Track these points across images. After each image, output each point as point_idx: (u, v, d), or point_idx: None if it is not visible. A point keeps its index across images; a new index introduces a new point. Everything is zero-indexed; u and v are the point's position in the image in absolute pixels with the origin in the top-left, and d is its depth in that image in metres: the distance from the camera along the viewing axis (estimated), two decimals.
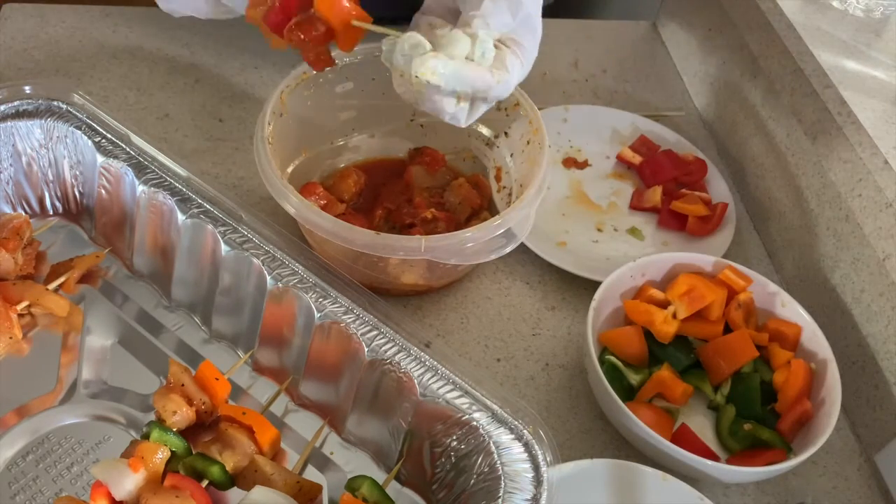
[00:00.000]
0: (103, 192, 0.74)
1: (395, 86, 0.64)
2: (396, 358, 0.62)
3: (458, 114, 0.64)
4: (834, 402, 0.68)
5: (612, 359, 0.73)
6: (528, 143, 0.79)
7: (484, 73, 0.62)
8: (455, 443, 0.60)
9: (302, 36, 0.65)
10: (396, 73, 0.63)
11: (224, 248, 0.68)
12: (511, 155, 0.82)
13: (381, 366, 0.62)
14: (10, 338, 0.68)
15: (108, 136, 0.74)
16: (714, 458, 0.68)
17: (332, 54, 0.70)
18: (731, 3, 0.99)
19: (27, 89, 0.75)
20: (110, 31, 1.02)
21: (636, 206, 0.90)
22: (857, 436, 0.76)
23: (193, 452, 0.61)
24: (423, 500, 0.64)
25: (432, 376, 0.61)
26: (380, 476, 0.63)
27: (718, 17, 1.02)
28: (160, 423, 0.62)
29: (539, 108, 0.79)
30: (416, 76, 0.60)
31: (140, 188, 0.71)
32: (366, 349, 0.63)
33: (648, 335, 0.74)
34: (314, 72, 0.79)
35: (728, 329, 0.75)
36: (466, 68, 0.61)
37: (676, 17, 1.13)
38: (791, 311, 0.74)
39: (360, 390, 0.64)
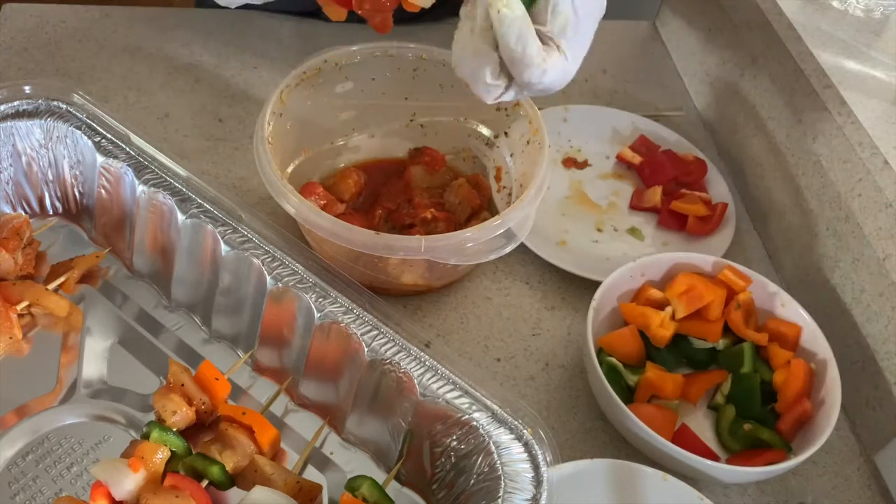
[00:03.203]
0: (103, 192, 0.74)
1: (457, 41, 0.62)
2: (396, 358, 0.62)
3: (494, 89, 0.62)
4: (834, 402, 0.68)
5: (612, 359, 0.73)
6: (528, 143, 0.79)
7: (538, 44, 0.60)
8: (455, 443, 0.60)
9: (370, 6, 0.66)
10: (466, 27, 0.61)
11: (224, 248, 0.68)
12: (511, 155, 0.82)
13: (381, 366, 0.62)
14: (10, 338, 0.68)
15: (108, 136, 0.74)
16: (714, 458, 0.68)
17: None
18: (731, 3, 0.99)
19: (27, 89, 0.75)
20: (110, 31, 1.02)
21: (636, 206, 0.90)
22: (857, 436, 0.75)
23: (193, 452, 0.61)
24: (423, 500, 0.64)
25: (432, 376, 0.61)
26: (380, 476, 0.63)
27: (718, 16, 1.02)
28: (160, 423, 0.62)
29: (539, 108, 0.79)
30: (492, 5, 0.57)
31: (140, 188, 0.71)
32: (366, 349, 0.63)
33: (646, 336, 0.74)
34: (314, 72, 0.79)
35: (728, 329, 0.75)
36: (530, 27, 0.59)
37: (676, 17, 1.13)
38: (791, 311, 0.74)
39: (360, 390, 0.64)
